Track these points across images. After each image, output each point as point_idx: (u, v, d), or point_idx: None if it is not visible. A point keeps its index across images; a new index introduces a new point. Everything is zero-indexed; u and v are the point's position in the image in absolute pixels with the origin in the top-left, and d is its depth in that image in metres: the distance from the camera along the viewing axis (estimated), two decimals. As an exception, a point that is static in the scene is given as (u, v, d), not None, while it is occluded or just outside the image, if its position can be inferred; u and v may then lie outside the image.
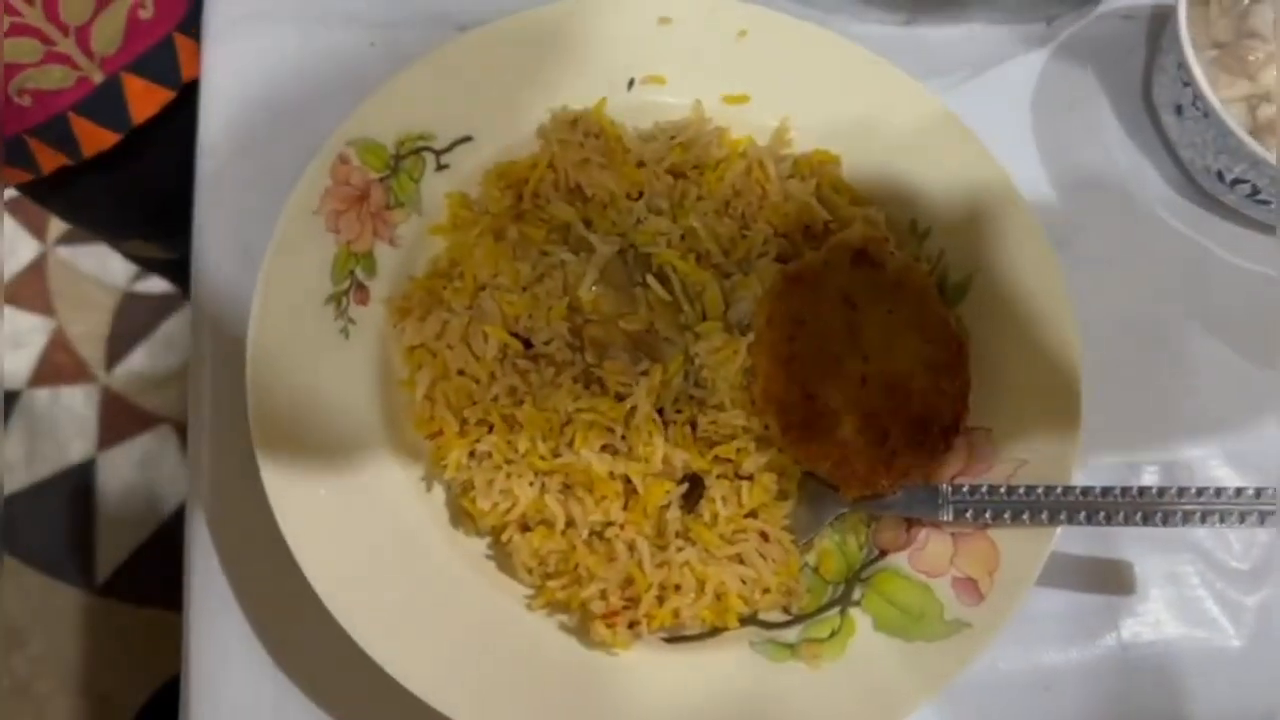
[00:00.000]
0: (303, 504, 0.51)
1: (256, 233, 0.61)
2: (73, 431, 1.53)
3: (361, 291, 0.57)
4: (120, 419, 1.53)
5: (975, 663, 0.51)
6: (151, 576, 1.45)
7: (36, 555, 1.46)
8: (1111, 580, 0.58)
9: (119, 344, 1.58)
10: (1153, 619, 0.58)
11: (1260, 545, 0.60)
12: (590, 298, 0.53)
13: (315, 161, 0.57)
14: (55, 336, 1.58)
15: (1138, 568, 0.58)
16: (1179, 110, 0.64)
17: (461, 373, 0.55)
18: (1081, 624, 0.57)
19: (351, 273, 0.57)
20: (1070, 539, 0.57)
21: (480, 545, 0.55)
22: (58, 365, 1.56)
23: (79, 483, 1.50)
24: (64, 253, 1.63)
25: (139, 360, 1.57)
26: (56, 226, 1.64)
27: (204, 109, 0.65)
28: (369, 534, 0.52)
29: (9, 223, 1.63)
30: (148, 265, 1.12)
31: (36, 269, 1.62)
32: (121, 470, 1.50)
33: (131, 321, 1.59)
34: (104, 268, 1.62)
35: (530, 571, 0.53)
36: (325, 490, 0.52)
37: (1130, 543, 0.58)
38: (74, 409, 1.54)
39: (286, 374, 0.54)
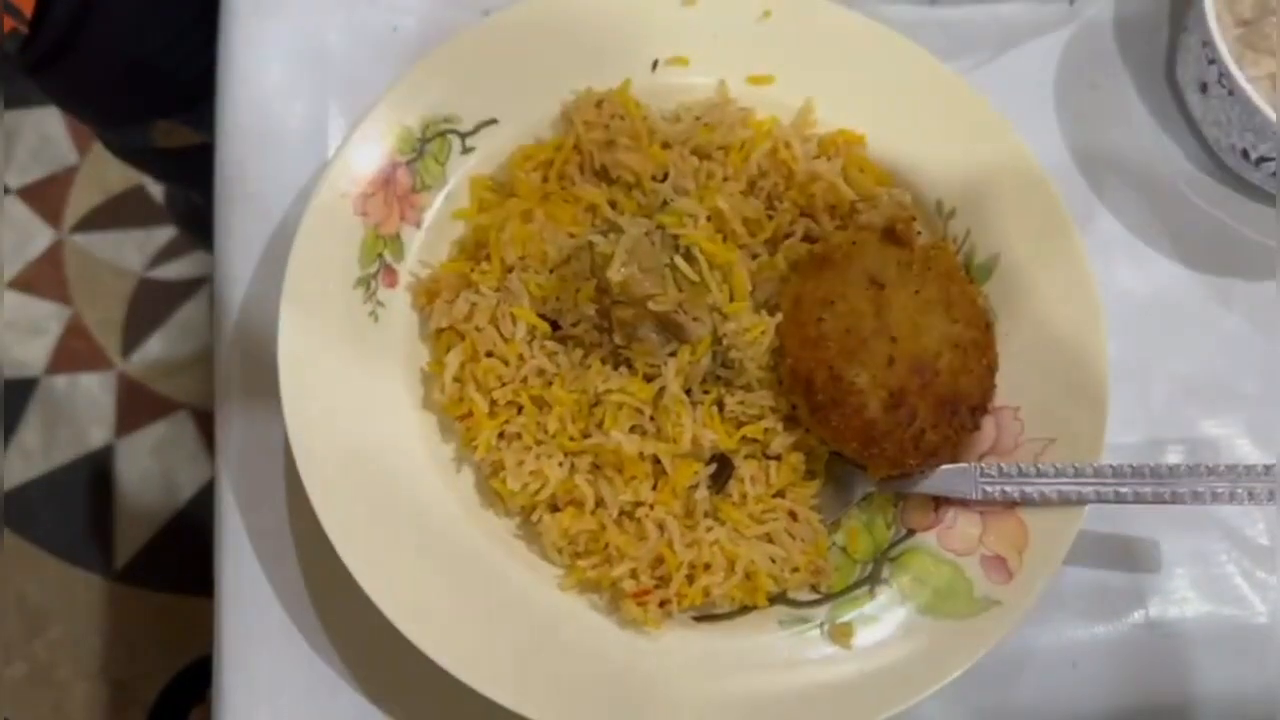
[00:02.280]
0: (336, 484, 0.52)
1: (282, 218, 0.61)
2: (91, 418, 1.53)
3: (390, 274, 0.57)
4: (137, 405, 1.54)
5: (1004, 640, 0.51)
6: (169, 562, 1.46)
7: (55, 541, 1.46)
8: (1138, 558, 0.59)
9: (136, 330, 1.58)
10: (1179, 596, 0.58)
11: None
12: (618, 279, 0.53)
13: (342, 146, 0.58)
14: (72, 323, 1.59)
15: (1164, 545, 0.59)
16: (1204, 88, 0.64)
17: (490, 354, 0.55)
18: (1109, 601, 0.58)
19: (379, 256, 0.57)
20: (1096, 517, 0.57)
21: (510, 525, 0.55)
22: (75, 352, 1.57)
23: (97, 469, 1.51)
24: (80, 240, 1.63)
25: (156, 346, 1.57)
26: (72, 213, 1.64)
27: (225, 93, 0.65)
28: (400, 514, 0.53)
29: (24, 210, 1.63)
30: (178, 159, 1.08)
31: (53, 256, 1.62)
32: (139, 456, 1.51)
33: (148, 308, 1.59)
34: (120, 254, 1.62)
35: (560, 551, 0.54)
36: (357, 470, 0.53)
37: (1156, 520, 0.59)
38: (92, 395, 1.54)
39: (317, 357, 0.54)
